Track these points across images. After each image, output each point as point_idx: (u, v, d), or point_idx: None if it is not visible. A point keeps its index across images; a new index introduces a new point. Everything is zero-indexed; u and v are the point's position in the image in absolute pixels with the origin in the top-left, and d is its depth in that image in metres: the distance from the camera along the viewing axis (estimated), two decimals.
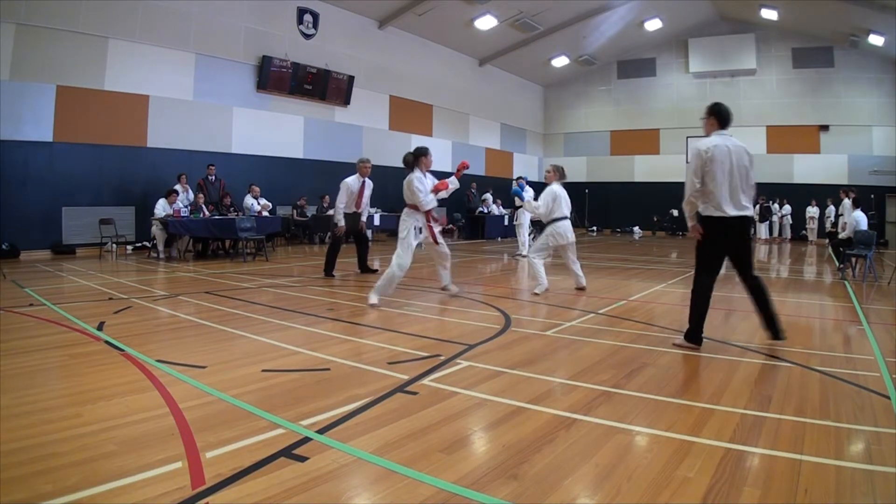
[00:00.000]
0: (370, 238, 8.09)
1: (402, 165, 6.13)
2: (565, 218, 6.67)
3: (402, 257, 5.71)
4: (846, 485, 2.09)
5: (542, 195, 6.72)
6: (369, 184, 7.94)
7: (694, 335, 4.04)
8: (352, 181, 7.81)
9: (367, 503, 1.96)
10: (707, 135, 4.09)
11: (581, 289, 6.76)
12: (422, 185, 5.85)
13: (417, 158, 5.98)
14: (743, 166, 3.96)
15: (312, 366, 3.55)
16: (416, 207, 5.88)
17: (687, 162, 4.10)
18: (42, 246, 10.18)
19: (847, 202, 13.05)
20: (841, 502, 1.96)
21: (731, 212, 3.91)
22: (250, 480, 2.03)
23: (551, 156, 24.76)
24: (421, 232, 5.96)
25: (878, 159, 18.29)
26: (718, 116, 4.08)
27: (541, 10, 16.94)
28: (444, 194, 6.01)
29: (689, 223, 4.12)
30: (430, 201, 5.89)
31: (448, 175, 6.17)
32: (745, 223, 4.02)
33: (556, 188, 6.67)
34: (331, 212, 14.07)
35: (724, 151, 3.91)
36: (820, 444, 2.42)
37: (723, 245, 4.03)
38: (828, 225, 16.10)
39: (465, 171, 6.23)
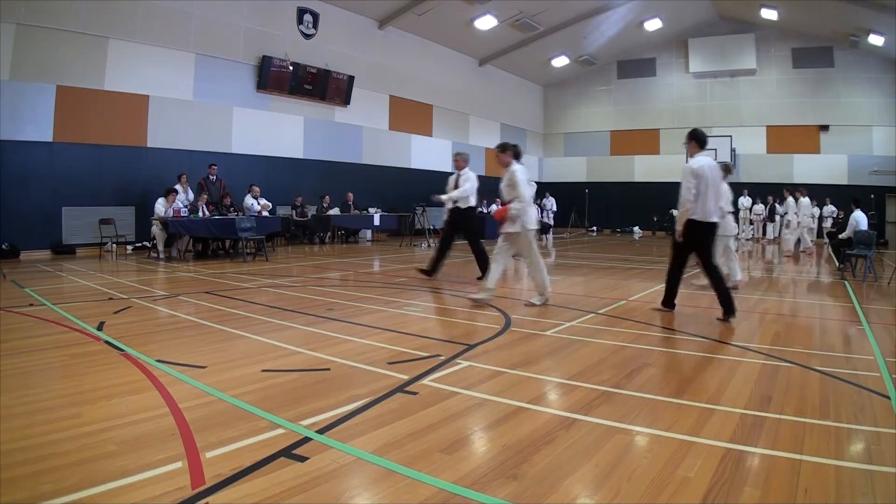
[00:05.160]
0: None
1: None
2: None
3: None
4: (846, 485, 2.09)
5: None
6: None
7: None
8: None
9: (367, 503, 1.97)
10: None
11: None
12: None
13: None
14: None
15: (312, 366, 3.55)
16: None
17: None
18: (42, 246, 10.17)
19: (791, 201, 13.27)
20: (841, 502, 1.96)
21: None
22: (250, 480, 2.03)
23: (552, 156, 24.78)
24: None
25: (878, 159, 18.28)
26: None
27: (541, 10, 16.93)
28: None
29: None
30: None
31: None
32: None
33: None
34: (331, 212, 14.20)
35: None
36: (820, 444, 2.42)
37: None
38: (827, 225, 16.10)
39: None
